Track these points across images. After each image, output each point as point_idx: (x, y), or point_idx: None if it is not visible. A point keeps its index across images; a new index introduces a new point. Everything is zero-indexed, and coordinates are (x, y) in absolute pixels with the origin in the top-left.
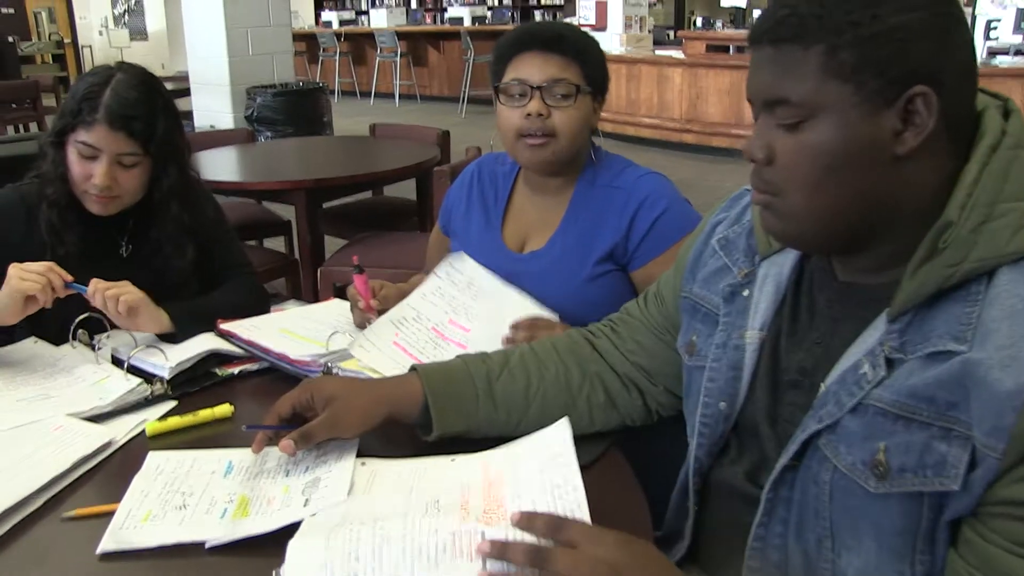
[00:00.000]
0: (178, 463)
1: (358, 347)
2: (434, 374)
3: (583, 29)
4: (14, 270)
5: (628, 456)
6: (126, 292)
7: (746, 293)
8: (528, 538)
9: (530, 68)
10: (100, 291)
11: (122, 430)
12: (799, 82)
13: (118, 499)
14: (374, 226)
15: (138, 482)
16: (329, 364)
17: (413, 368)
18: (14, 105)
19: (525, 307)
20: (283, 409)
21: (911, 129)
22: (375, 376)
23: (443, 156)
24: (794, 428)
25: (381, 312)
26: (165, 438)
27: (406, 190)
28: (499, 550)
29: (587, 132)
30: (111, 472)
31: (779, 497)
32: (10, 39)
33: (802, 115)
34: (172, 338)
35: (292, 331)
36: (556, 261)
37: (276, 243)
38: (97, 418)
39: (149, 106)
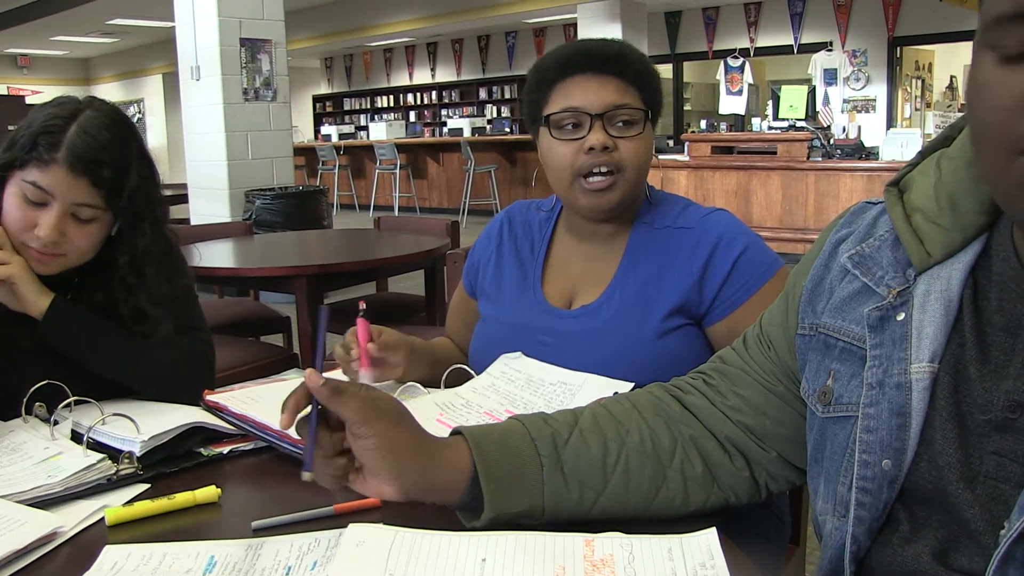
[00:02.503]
0: (142, 559)
1: None
2: (486, 438)
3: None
4: None
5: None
6: (7, 263)
7: (901, 317)
8: None
9: (584, 93)
10: None
11: (75, 517)
12: None
13: None
14: (379, 321)
15: None
16: None
17: (457, 431)
18: None
19: (602, 391)
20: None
21: None
22: None
23: (453, 246)
24: (1007, 486)
25: (379, 365)
26: (131, 528)
27: (412, 287)
28: None
29: (649, 167)
30: (55, 572)
31: None
32: None
33: None
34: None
35: None
36: (614, 317)
37: (274, 340)
38: (44, 503)
39: (121, 152)
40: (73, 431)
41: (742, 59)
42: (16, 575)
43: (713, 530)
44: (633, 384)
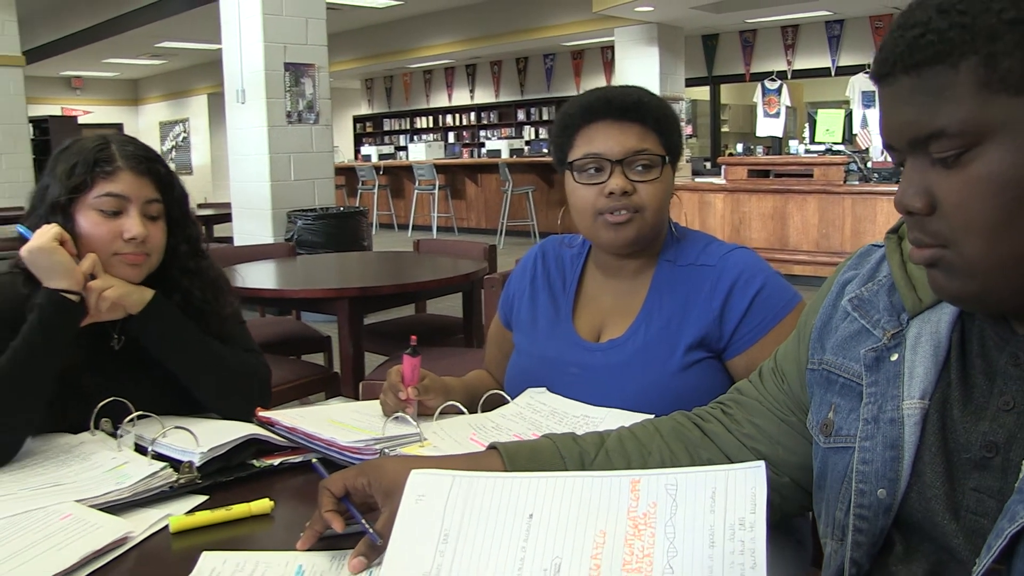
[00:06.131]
0: (237, 566)
1: (431, 432)
2: (518, 453)
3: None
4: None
5: None
6: (110, 286)
7: (895, 358)
8: None
9: (605, 140)
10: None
11: (142, 524)
12: (953, 108)
13: None
14: (417, 342)
15: None
16: (386, 450)
17: (492, 446)
18: None
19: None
20: (335, 487)
21: None
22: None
23: (491, 270)
24: (985, 520)
25: (420, 405)
26: (191, 535)
27: (449, 309)
28: None
29: (669, 206)
30: (124, 574)
31: None
32: None
33: (965, 144)
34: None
35: (342, 422)
36: (640, 350)
37: (315, 359)
38: (113, 509)
39: (158, 154)
40: (136, 444)
41: (779, 81)
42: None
43: (761, 465)
44: (652, 417)
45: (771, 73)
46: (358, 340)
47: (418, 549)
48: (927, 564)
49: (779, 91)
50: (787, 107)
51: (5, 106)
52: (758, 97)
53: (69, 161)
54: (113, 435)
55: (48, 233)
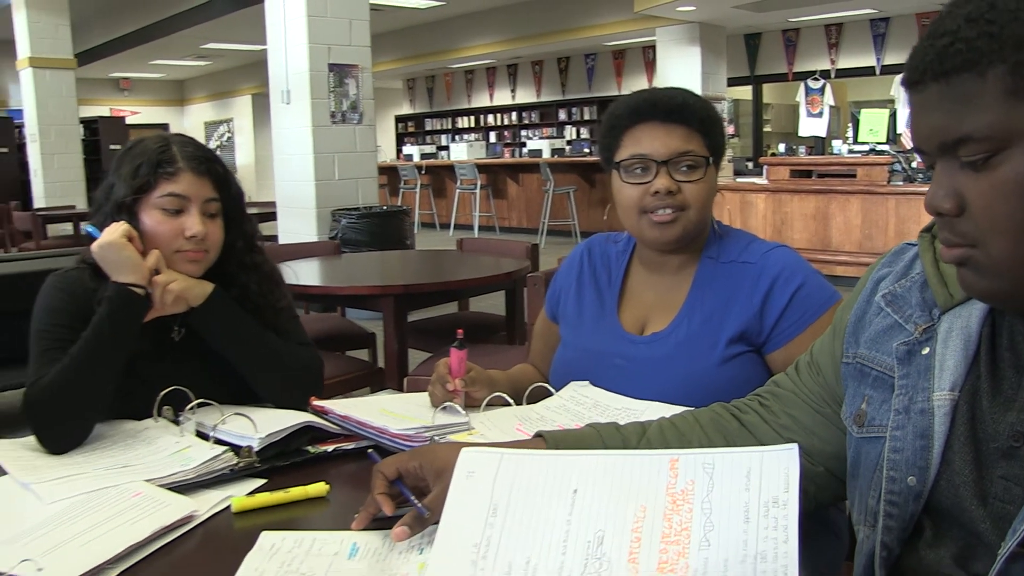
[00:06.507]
0: (295, 543)
1: (479, 422)
2: (564, 441)
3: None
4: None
5: None
6: (173, 280)
7: (926, 351)
8: None
9: (651, 141)
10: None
11: (205, 504)
12: (980, 114)
13: None
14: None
15: (251, 560)
16: (436, 438)
17: (539, 434)
18: None
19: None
20: (389, 470)
21: None
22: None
23: (533, 268)
24: (1011, 507)
25: (467, 396)
26: (252, 516)
27: (491, 307)
28: None
29: (712, 204)
30: (190, 550)
31: None
32: None
33: (992, 148)
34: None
35: (393, 411)
36: (683, 343)
37: (360, 355)
38: (179, 489)
39: (215, 154)
40: (197, 431)
41: (823, 81)
42: (161, 551)
43: (795, 447)
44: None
45: (814, 72)
46: (403, 337)
47: (469, 521)
48: (955, 548)
49: (822, 90)
50: (830, 107)
51: (58, 108)
52: (801, 97)
53: (133, 162)
54: (175, 422)
55: (118, 230)
